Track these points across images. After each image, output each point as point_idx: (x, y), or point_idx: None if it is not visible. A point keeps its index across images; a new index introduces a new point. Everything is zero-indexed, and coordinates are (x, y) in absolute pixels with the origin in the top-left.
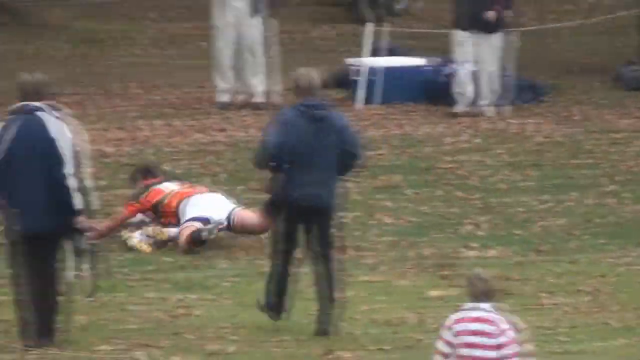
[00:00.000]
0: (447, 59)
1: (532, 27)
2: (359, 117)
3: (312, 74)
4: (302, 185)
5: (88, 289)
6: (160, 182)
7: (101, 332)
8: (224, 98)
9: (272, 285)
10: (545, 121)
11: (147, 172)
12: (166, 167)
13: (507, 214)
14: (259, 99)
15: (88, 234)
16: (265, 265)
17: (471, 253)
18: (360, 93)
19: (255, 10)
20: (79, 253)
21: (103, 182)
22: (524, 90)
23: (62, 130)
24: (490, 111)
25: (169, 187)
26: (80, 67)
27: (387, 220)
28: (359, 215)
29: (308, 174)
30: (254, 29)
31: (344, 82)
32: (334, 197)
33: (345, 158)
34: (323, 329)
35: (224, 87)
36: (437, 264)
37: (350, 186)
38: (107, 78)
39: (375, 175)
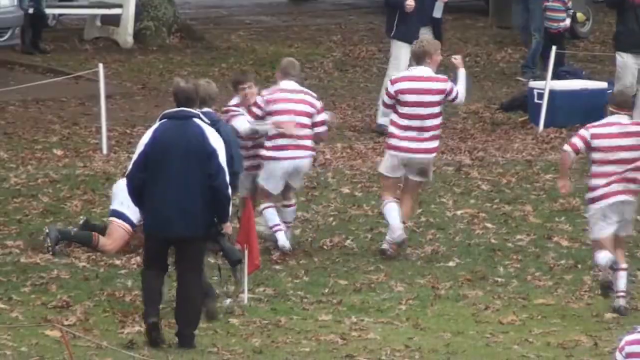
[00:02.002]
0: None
1: None
2: (540, 140)
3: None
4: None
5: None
6: None
7: (275, 355)
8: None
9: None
10: None
11: None
12: (346, 189)
13: None
14: None
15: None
16: (442, 288)
17: None
18: (542, 116)
19: None
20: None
21: None
22: None
23: (218, 139)
24: None
25: None
26: (264, 89)
27: (565, 243)
28: (536, 239)
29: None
30: None
31: (522, 105)
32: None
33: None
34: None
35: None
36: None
37: (529, 209)
38: None
39: (554, 198)
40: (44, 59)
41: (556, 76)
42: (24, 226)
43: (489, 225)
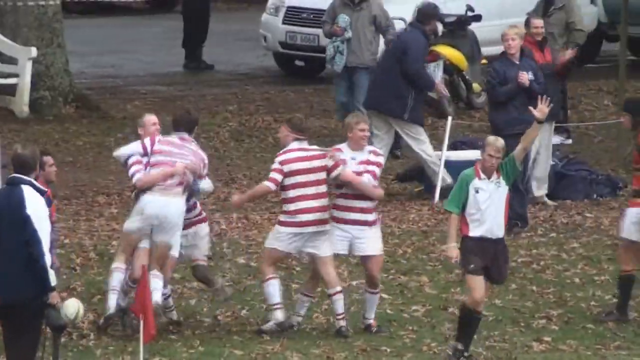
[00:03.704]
0: None
1: (611, 121)
2: (436, 211)
3: None
4: None
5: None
6: None
7: None
8: None
9: None
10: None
11: None
12: (242, 260)
13: (581, 308)
14: None
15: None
16: (338, 358)
17: (542, 347)
18: (438, 187)
19: None
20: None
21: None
22: (600, 184)
23: (37, 205)
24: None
25: None
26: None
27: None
28: (432, 309)
29: None
30: None
31: (418, 175)
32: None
33: None
34: None
35: None
36: (509, 358)
37: (425, 280)
38: None
39: (450, 269)
40: None
41: (453, 146)
42: None
43: (385, 295)
